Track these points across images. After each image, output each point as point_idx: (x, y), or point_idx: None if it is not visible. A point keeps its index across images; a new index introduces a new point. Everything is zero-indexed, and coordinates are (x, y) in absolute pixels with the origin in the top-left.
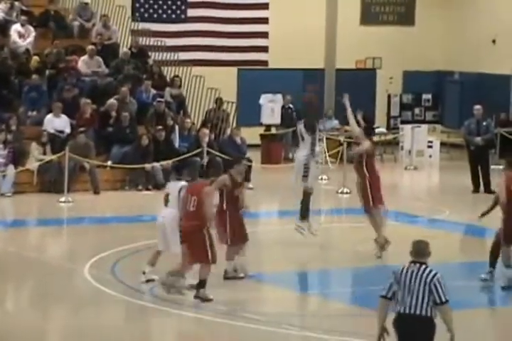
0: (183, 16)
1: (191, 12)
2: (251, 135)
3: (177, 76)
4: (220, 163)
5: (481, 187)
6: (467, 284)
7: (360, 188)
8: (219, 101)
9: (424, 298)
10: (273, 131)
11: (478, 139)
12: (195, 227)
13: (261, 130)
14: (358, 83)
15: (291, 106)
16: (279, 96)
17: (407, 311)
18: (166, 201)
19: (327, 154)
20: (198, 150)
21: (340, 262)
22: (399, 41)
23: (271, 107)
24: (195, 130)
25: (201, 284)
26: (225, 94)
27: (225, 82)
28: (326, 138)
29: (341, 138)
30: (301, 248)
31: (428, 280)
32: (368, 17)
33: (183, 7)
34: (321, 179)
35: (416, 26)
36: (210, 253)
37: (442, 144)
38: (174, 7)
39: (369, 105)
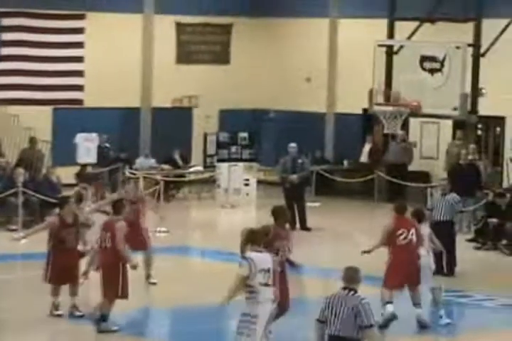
0: None
1: (5, 51)
2: (67, 174)
3: None
4: (36, 202)
5: (297, 225)
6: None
7: None
8: (33, 141)
9: (349, 321)
10: (89, 170)
11: (293, 177)
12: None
13: (77, 169)
14: (175, 121)
15: (107, 145)
16: (95, 135)
17: (335, 333)
18: None
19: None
20: (13, 190)
21: None
22: (215, 80)
23: (86, 146)
24: (10, 169)
25: (104, 318)
26: (40, 134)
27: (40, 121)
28: (143, 177)
29: (158, 177)
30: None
31: (354, 304)
32: (184, 56)
33: None
34: None
35: (231, 65)
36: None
37: (259, 182)
38: None
39: (186, 143)
